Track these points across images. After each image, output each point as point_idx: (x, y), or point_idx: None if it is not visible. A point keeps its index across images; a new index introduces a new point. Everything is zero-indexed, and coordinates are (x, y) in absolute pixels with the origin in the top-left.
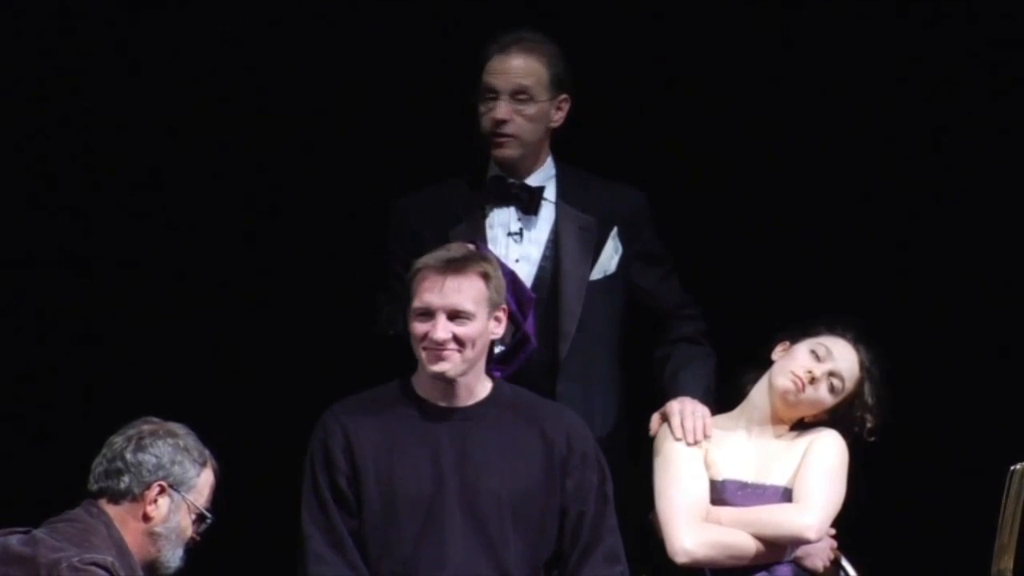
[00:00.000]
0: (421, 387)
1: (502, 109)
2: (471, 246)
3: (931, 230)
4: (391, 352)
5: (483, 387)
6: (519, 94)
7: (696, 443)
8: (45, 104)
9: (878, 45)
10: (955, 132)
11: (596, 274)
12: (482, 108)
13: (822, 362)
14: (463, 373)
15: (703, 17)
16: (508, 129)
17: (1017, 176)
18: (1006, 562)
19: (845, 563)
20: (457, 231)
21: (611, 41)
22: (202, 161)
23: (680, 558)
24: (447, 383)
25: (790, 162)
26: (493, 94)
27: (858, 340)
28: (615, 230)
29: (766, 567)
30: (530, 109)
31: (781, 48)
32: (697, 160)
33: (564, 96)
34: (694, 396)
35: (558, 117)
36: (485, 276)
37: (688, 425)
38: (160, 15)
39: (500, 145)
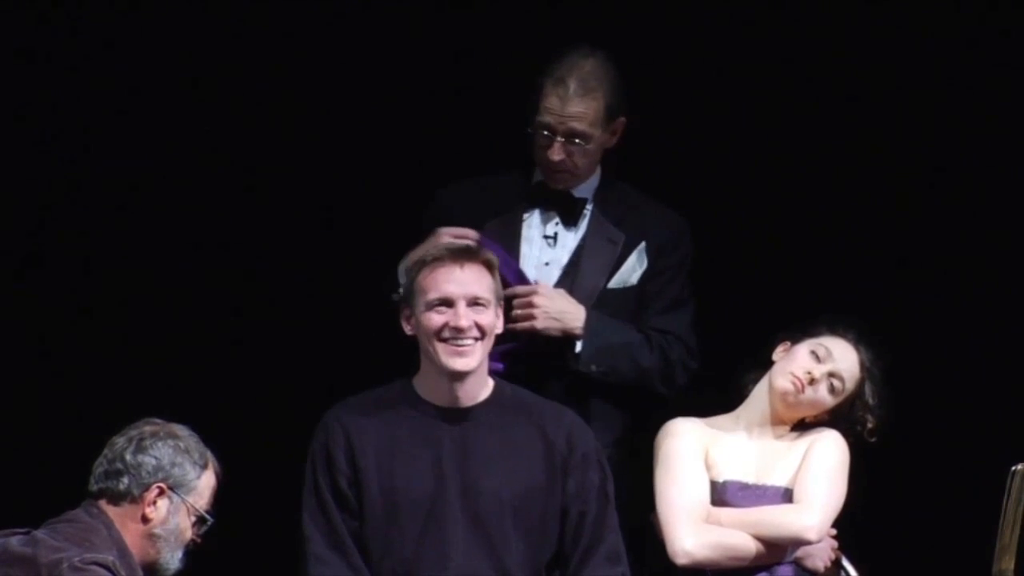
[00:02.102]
0: (422, 388)
1: (556, 150)
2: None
3: (931, 230)
4: (392, 352)
5: (484, 388)
6: (573, 136)
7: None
8: (45, 100)
9: (878, 45)
10: (955, 132)
11: (615, 283)
12: (538, 138)
13: (822, 363)
14: (477, 368)
15: (700, 15)
16: (562, 167)
17: (1017, 176)
18: (1007, 563)
19: (846, 563)
20: (493, 225)
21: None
22: (205, 161)
23: (681, 559)
24: (453, 382)
25: (790, 162)
26: (548, 131)
27: (859, 340)
28: (643, 245)
29: (767, 568)
30: (584, 147)
31: (781, 48)
32: (696, 160)
33: (620, 120)
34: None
35: (613, 140)
36: (490, 266)
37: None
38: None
39: (556, 180)
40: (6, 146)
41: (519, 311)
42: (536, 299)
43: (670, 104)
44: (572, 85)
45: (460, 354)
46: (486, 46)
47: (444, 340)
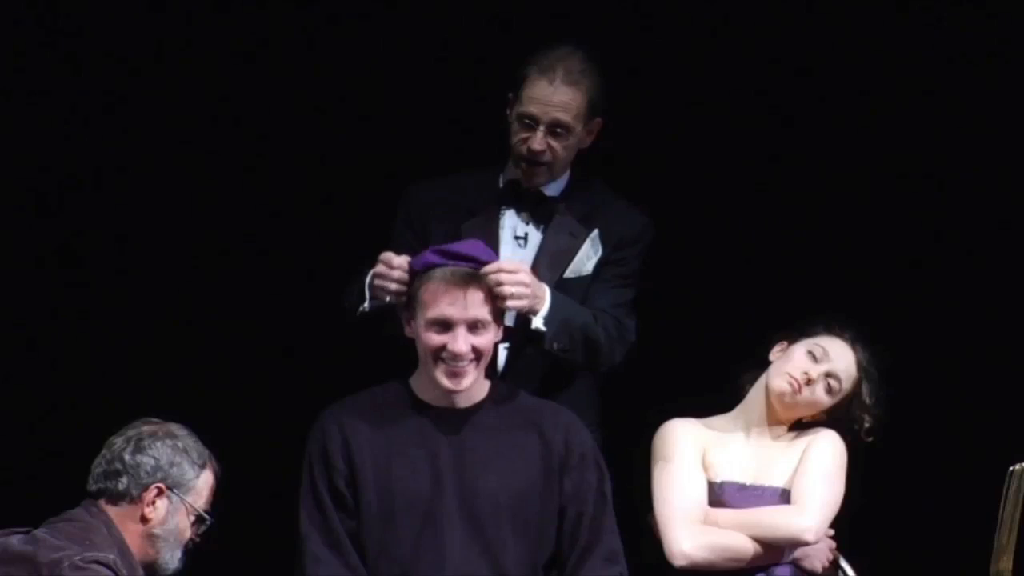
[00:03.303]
0: (419, 388)
1: (538, 141)
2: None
3: (930, 229)
4: (389, 352)
5: (481, 388)
6: (557, 127)
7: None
8: (45, 101)
9: (877, 44)
10: (953, 131)
11: (570, 273)
12: (517, 127)
13: (819, 363)
14: (475, 382)
15: (700, 14)
16: (543, 159)
17: (1016, 175)
18: (1005, 563)
19: (844, 564)
20: (469, 225)
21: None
22: (203, 160)
23: (678, 561)
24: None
25: (790, 162)
26: (530, 121)
27: (856, 340)
28: (596, 232)
29: (764, 569)
30: (566, 140)
31: (780, 48)
32: (696, 159)
33: (597, 120)
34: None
35: (589, 141)
36: (497, 285)
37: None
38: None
39: (531, 174)
40: (6, 144)
41: (513, 288)
42: (525, 278)
43: (667, 103)
44: (560, 74)
45: (456, 375)
46: (457, 44)
47: (441, 360)
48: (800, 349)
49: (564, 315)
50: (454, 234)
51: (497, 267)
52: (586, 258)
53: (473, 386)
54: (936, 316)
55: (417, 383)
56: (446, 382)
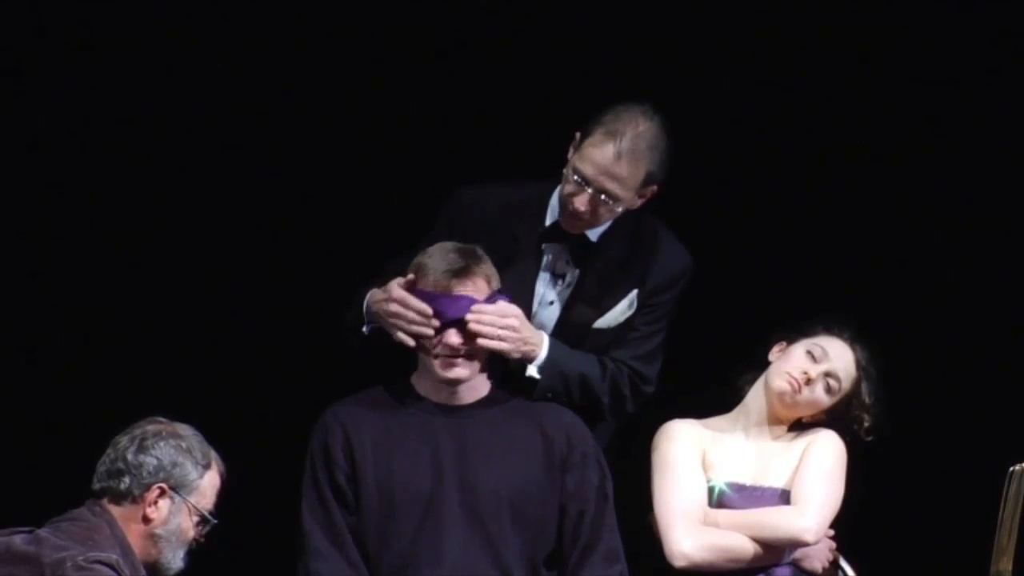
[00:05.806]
0: (421, 386)
1: (584, 201)
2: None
3: (929, 230)
4: (389, 352)
5: (483, 386)
6: (606, 195)
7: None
8: (47, 100)
9: (875, 43)
10: (953, 132)
11: (601, 324)
12: (570, 177)
13: (818, 363)
14: (472, 376)
15: (700, 17)
16: (583, 216)
17: (1016, 175)
18: (1005, 563)
19: (844, 564)
20: (510, 253)
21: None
22: (208, 160)
23: (678, 562)
24: (450, 385)
25: (787, 161)
26: (581, 180)
27: (855, 340)
28: (635, 292)
29: (764, 569)
30: (612, 207)
31: (779, 47)
32: (696, 159)
33: (653, 187)
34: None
35: (639, 203)
36: (488, 280)
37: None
38: None
39: (571, 224)
40: (6, 145)
41: (492, 329)
42: (513, 322)
43: (672, 99)
44: (624, 145)
45: (453, 366)
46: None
47: (439, 355)
48: (799, 349)
49: (563, 367)
50: (492, 255)
51: (479, 308)
52: (620, 313)
53: (474, 383)
54: (936, 316)
55: (418, 380)
56: (442, 372)
